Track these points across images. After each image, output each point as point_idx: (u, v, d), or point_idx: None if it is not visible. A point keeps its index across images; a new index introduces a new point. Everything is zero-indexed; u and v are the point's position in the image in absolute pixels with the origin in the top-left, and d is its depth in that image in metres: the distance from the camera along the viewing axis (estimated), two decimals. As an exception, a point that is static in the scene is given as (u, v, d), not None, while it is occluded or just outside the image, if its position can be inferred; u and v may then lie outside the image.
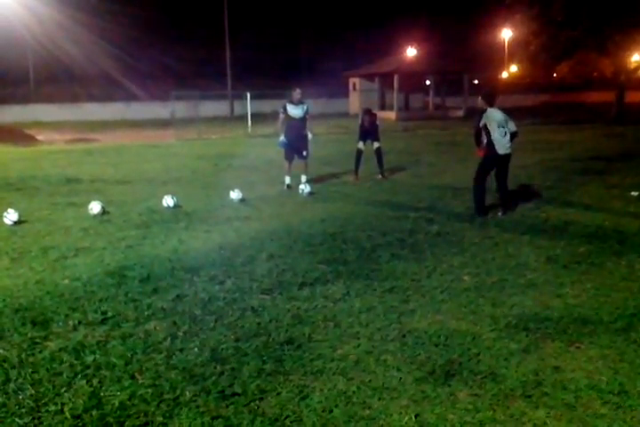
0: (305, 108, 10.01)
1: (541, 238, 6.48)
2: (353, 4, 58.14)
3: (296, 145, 10.05)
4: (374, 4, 59.41)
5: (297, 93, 9.98)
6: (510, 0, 28.03)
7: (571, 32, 25.92)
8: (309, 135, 10.06)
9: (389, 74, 35.25)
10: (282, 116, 10.04)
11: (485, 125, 7.55)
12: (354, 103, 37.38)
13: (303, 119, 10.01)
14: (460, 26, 52.08)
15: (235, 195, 9.08)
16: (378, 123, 11.28)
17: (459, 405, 3.14)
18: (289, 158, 10.18)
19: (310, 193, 9.45)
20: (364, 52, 46.16)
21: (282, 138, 10.07)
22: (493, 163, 7.70)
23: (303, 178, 10.15)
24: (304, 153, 10.12)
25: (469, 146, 17.40)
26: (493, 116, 7.59)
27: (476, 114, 7.79)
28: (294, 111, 9.97)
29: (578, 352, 3.72)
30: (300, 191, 9.56)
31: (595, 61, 30.81)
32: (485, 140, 7.62)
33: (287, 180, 10.19)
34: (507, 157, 7.67)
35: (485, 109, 7.62)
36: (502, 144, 7.57)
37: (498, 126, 7.56)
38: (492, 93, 8.01)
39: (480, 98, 7.83)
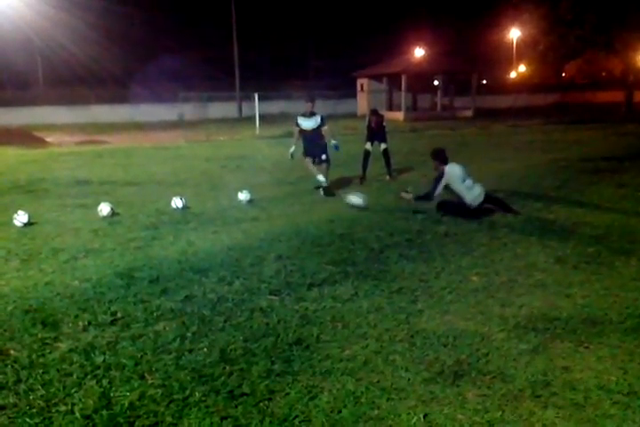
0: (318, 119, 9.80)
1: (550, 239, 6.46)
2: (361, 5, 58.12)
3: (316, 151, 9.84)
4: (382, 5, 59.39)
5: (308, 106, 9.83)
6: (518, 0, 27.98)
7: (579, 31, 25.83)
8: (334, 142, 9.83)
9: (397, 74, 35.22)
10: (296, 129, 9.94)
11: (448, 185, 7.38)
12: (362, 104, 37.42)
13: (317, 130, 9.80)
14: (468, 25, 51.94)
15: (243, 196, 9.10)
16: (385, 124, 11.29)
17: (467, 405, 3.14)
18: (309, 156, 9.88)
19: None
20: (372, 53, 46.19)
21: (292, 149, 9.97)
22: (463, 211, 7.47)
23: (321, 177, 9.76)
24: (323, 157, 9.84)
25: (478, 146, 17.44)
26: (453, 173, 7.42)
27: (437, 180, 7.45)
28: (306, 123, 9.82)
29: (587, 352, 3.71)
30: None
31: (603, 61, 30.73)
32: (455, 199, 7.46)
33: (320, 177, 9.71)
34: (482, 204, 7.51)
35: (442, 170, 7.40)
36: (473, 196, 7.42)
37: (462, 181, 7.41)
38: (441, 151, 7.69)
39: (433, 160, 7.58)
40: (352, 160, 12.35)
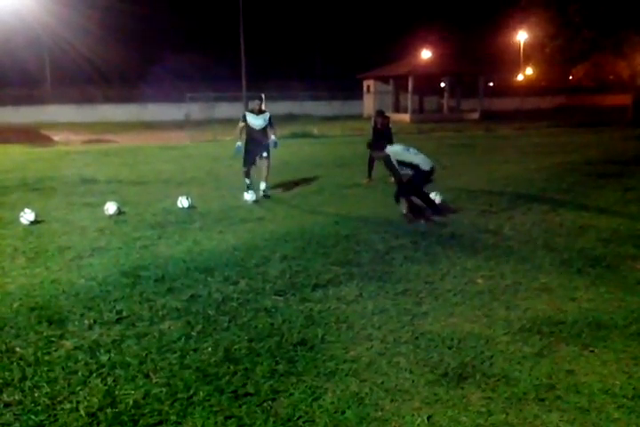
0: (267, 118, 9.52)
1: (556, 242, 6.44)
2: (368, 6, 58.11)
3: (257, 152, 9.56)
4: (389, 6, 59.37)
5: (256, 104, 9.52)
6: (525, 2, 27.92)
7: (587, 34, 25.76)
8: (273, 138, 9.57)
9: (404, 76, 35.18)
10: (241, 124, 9.58)
11: (397, 160, 7.59)
12: (368, 105, 37.40)
13: (264, 130, 9.53)
14: (476, 28, 51.88)
15: (249, 196, 9.12)
16: (391, 126, 11.28)
17: (471, 408, 3.14)
18: (248, 163, 9.59)
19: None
20: (379, 54, 46.19)
21: (238, 143, 9.66)
22: (423, 179, 7.76)
23: (262, 185, 9.60)
24: (264, 153, 9.54)
25: (484, 148, 17.42)
26: (395, 151, 7.73)
27: (389, 163, 7.72)
28: (255, 122, 9.49)
29: (592, 356, 3.70)
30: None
31: (611, 64, 30.60)
32: (409, 170, 7.63)
33: (247, 181, 9.55)
34: (433, 169, 7.75)
35: (386, 155, 7.66)
36: (424, 159, 7.70)
37: (404, 151, 7.74)
38: (376, 140, 8.44)
39: (375, 151, 8.08)
40: (358, 161, 12.36)
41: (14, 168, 13.80)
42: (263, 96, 9.76)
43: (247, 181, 9.59)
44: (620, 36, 26.13)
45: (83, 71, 42.80)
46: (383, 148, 7.80)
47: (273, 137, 9.64)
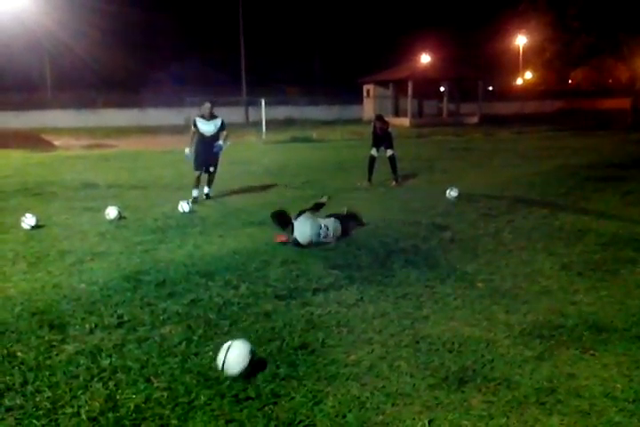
0: (218, 124, 9.35)
1: (556, 245, 6.45)
2: (367, 11, 58.24)
3: (205, 160, 9.51)
4: (389, 11, 59.51)
5: (205, 108, 9.28)
6: (524, 7, 28.01)
7: (586, 38, 25.85)
8: (221, 144, 9.41)
9: (403, 80, 35.26)
10: (192, 130, 9.46)
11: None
12: (368, 109, 37.50)
13: (215, 136, 9.37)
14: (475, 32, 51.96)
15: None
16: (390, 130, 11.30)
17: (472, 411, 3.14)
18: (199, 169, 9.57)
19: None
20: (379, 59, 46.24)
21: (187, 150, 9.53)
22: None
23: (206, 189, 9.62)
24: (211, 169, 9.50)
25: (484, 152, 17.44)
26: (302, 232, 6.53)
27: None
28: (205, 127, 9.33)
29: (592, 360, 3.71)
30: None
31: (610, 67, 30.68)
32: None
33: (194, 193, 9.53)
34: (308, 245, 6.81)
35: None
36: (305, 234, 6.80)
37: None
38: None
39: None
40: (358, 165, 12.38)
41: (15, 173, 13.82)
42: (212, 101, 9.53)
43: (194, 192, 9.48)
44: (619, 39, 26.22)
45: (83, 76, 42.93)
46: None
47: (221, 142, 9.39)
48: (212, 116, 9.31)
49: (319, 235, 6.56)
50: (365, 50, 54.95)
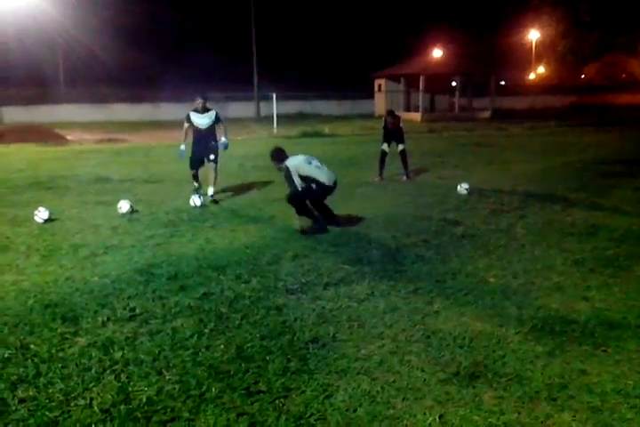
0: (212, 116, 9.13)
1: (568, 241, 6.42)
2: (379, 6, 58.03)
3: (203, 152, 9.22)
4: (400, 6, 59.25)
5: (198, 103, 9.08)
6: (537, 1, 27.79)
7: (598, 33, 25.63)
8: (226, 140, 9.21)
9: (415, 75, 35.08)
10: (186, 125, 9.20)
11: (299, 175, 6.96)
12: (379, 104, 37.37)
13: (211, 129, 9.17)
14: (487, 27, 51.62)
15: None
16: (402, 125, 11.26)
17: (483, 407, 3.14)
18: (195, 166, 9.35)
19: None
20: (390, 53, 46.10)
21: (181, 146, 9.31)
22: (324, 193, 7.16)
23: (210, 191, 9.23)
24: (211, 156, 9.19)
25: (495, 147, 17.35)
26: (296, 162, 7.05)
27: (289, 177, 6.99)
28: (199, 121, 9.11)
29: (604, 356, 3.69)
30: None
31: (623, 62, 30.41)
32: (311, 183, 7.00)
33: (195, 184, 9.40)
34: (335, 184, 7.16)
35: (285, 166, 7.04)
36: (326, 174, 7.07)
37: (308, 163, 7.04)
38: (276, 151, 7.31)
39: (273, 162, 7.29)
40: (369, 160, 12.36)
41: (28, 167, 13.91)
42: (204, 96, 9.26)
43: (195, 184, 9.37)
44: (633, 34, 25.96)
45: (96, 71, 43.01)
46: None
47: (224, 138, 9.26)
48: (205, 110, 9.20)
49: (311, 163, 7.07)
50: (377, 45, 54.80)
